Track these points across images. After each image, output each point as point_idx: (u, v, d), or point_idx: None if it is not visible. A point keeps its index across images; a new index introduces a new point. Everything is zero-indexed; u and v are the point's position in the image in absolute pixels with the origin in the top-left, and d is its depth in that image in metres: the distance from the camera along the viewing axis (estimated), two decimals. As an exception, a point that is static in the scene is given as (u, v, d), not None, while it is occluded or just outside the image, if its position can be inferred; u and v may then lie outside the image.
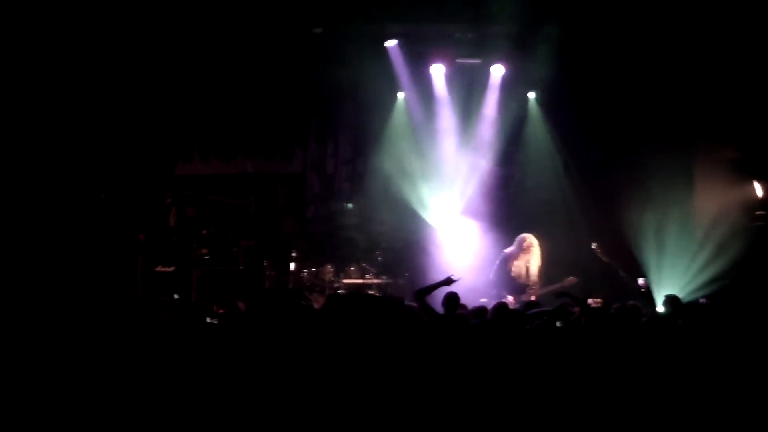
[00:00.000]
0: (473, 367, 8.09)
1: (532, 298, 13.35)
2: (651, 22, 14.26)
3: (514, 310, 9.73)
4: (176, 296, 13.48)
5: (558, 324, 9.29)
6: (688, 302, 11.87)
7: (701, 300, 12.49)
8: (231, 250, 14.65)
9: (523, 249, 13.67)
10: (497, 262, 13.85)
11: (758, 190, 15.09)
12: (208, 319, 9.72)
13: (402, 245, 15.94)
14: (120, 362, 8.04)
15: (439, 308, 10.12)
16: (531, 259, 13.69)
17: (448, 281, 10.54)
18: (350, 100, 16.33)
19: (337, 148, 16.82)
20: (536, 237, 13.81)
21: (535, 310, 9.83)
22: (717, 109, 14.93)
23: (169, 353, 8.23)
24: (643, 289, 12.44)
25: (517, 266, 13.68)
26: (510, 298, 13.36)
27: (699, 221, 15.19)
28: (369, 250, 15.68)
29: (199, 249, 14.40)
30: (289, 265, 14.97)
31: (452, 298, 10.22)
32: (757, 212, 14.99)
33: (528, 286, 13.64)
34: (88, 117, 14.58)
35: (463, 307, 10.37)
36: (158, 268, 14.17)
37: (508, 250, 13.86)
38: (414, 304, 10.11)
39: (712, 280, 14.28)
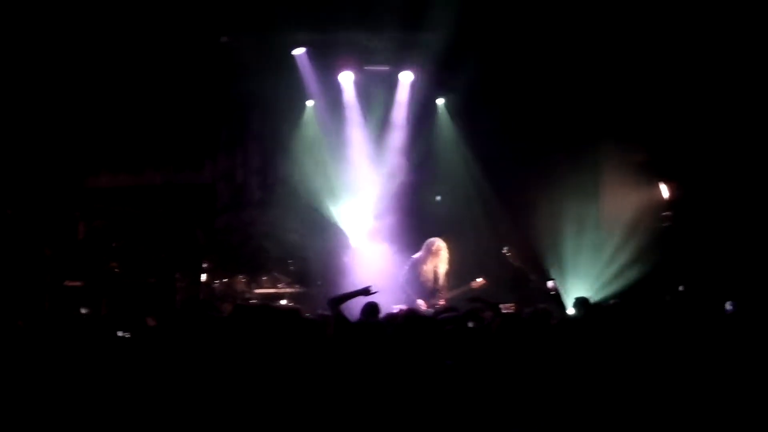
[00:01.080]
0: (386, 374, 8.11)
1: (442, 301, 13.46)
2: (555, 25, 14.40)
3: (425, 316, 9.76)
4: (85, 311, 13.26)
5: (470, 325, 9.36)
6: (596, 303, 12.04)
7: (611, 301, 12.67)
8: (141, 262, 14.47)
9: (431, 253, 13.74)
10: (407, 267, 13.90)
11: (664, 191, 15.36)
12: (120, 333, 9.59)
13: (314, 254, 15.90)
14: (26, 377, 7.91)
15: (356, 317, 10.11)
16: (439, 263, 13.76)
17: (366, 291, 10.52)
18: (259, 109, 16.25)
19: (246, 157, 16.71)
20: (445, 241, 13.89)
21: (445, 315, 9.88)
22: (622, 111, 15.14)
23: (79, 368, 8.12)
24: (552, 292, 12.61)
25: (426, 270, 13.73)
26: (421, 303, 13.43)
27: (606, 223, 15.42)
28: (281, 259, 15.62)
29: (108, 262, 14.19)
30: (200, 276, 14.84)
31: (372, 308, 10.23)
32: (664, 213, 15.26)
33: (437, 289, 13.72)
34: None
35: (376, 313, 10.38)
36: (67, 283, 13.92)
37: (416, 255, 13.93)
38: (325, 314, 10.13)
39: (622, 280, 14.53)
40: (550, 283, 13.33)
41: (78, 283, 13.96)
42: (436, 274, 13.72)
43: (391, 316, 10.11)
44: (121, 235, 14.72)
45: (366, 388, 7.94)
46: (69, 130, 15.12)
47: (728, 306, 10.26)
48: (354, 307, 10.33)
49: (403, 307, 13.00)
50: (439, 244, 13.78)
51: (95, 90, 14.90)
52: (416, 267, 13.76)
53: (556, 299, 11.95)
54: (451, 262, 13.86)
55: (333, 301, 9.91)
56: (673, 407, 8.02)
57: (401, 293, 13.73)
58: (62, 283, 13.88)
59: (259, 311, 9.10)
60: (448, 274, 13.82)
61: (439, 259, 13.74)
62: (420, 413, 7.82)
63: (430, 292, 13.64)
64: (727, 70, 14.10)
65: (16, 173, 14.65)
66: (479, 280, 13.79)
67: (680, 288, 13.40)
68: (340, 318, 9.52)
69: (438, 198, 16.45)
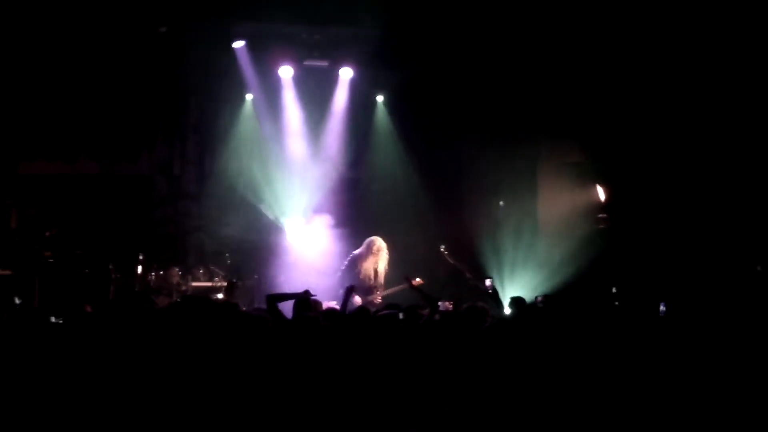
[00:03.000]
0: (324, 370, 8.15)
1: (378, 299, 13.53)
2: (494, 23, 14.49)
3: (369, 313, 9.80)
4: (17, 300, 13.07)
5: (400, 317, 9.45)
6: (532, 303, 12.16)
7: (538, 299, 12.80)
8: (75, 252, 14.29)
9: (372, 252, 13.78)
10: (345, 263, 13.91)
11: (600, 193, 15.55)
12: (53, 319, 9.51)
13: (250, 247, 15.83)
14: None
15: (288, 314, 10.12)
16: (379, 261, 13.82)
17: (305, 294, 10.51)
18: (198, 101, 16.16)
19: (184, 149, 16.56)
20: (384, 240, 13.95)
21: (386, 312, 9.92)
22: (560, 111, 15.30)
23: (11, 358, 8.04)
24: (489, 291, 12.69)
25: (366, 268, 13.76)
26: (357, 299, 13.46)
27: (543, 223, 15.58)
28: (217, 252, 15.53)
29: (41, 252, 14.00)
30: (135, 268, 14.69)
31: (303, 302, 10.23)
32: (599, 215, 15.45)
33: (375, 287, 13.77)
34: None
35: (315, 309, 10.39)
36: (-2, 272, 13.73)
37: (357, 251, 13.94)
38: (261, 308, 10.14)
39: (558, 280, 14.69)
40: (487, 282, 13.42)
41: (8, 272, 13.75)
42: (375, 271, 13.77)
43: (329, 311, 10.18)
44: (55, 224, 14.52)
45: (304, 383, 7.97)
46: (4, 116, 14.87)
47: (661, 307, 10.44)
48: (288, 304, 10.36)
49: (338, 302, 13.08)
50: (380, 243, 13.82)
51: (32, 76, 14.68)
52: (355, 264, 13.78)
53: (494, 297, 12.02)
54: (390, 261, 13.92)
55: (271, 298, 9.92)
56: (605, 406, 8.16)
57: (337, 288, 13.75)
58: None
59: (199, 303, 9.08)
60: (386, 272, 13.90)
61: (379, 257, 13.79)
62: (354, 407, 7.89)
63: (367, 289, 13.68)
64: (663, 71, 14.28)
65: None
66: (417, 280, 13.88)
67: (613, 289, 13.58)
68: (275, 313, 9.54)
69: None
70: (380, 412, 7.95)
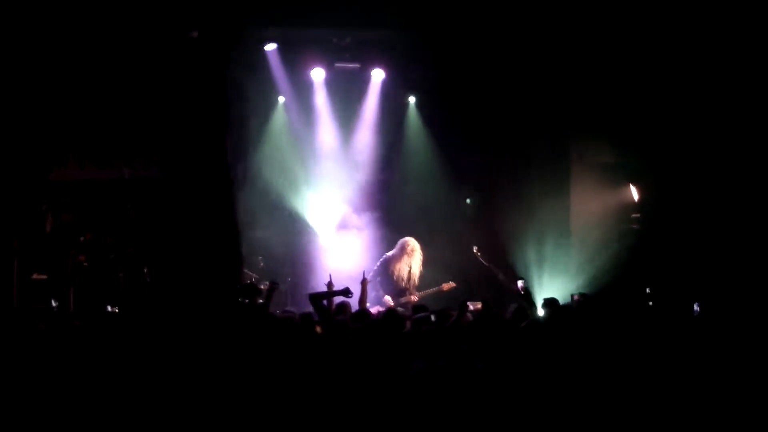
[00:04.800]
0: (352, 373, 8.16)
1: (414, 297, 13.53)
2: (526, 24, 14.45)
3: (402, 315, 9.81)
4: (54, 303, 13.19)
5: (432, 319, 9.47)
6: (565, 304, 12.10)
7: (574, 296, 12.73)
8: (109, 257, 14.38)
9: (405, 252, 13.81)
10: (378, 264, 13.93)
11: (634, 193, 15.46)
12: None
13: (283, 250, 15.87)
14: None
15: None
16: (413, 262, 13.83)
17: (346, 292, 10.55)
18: (229, 104, 16.17)
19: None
20: (417, 241, 13.96)
21: (421, 314, 9.93)
22: (592, 113, 15.23)
23: (48, 362, 8.10)
24: (522, 292, 12.64)
25: (399, 269, 13.79)
26: (388, 300, 13.48)
27: (575, 224, 15.49)
28: (250, 255, 15.55)
29: (76, 256, 14.09)
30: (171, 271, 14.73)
31: (343, 307, 10.30)
32: (633, 215, 15.36)
33: (407, 289, 13.77)
34: None
35: (344, 311, 10.42)
36: (34, 276, 13.82)
37: (390, 253, 13.97)
38: (291, 310, 10.21)
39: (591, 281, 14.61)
40: (519, 283, 13.38)
41: (44, 277, 13.86)
42: (408, 273, 13.78)
43: (359, 313, 10.20)
44: (89, 229, 14.60)
45: (332, 386, 8.00)
46: (37, 122, 14.96)
47: (696, 307, 10.37)
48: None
49: (370, 303, 13.10)
50: (414, 244, 13.86)
51: (65, 81, 14.77)
52: (389, 265, 13.81)
53: (526, 299, 11.98)
54: (423, 260, 13.92)
55: (315, 298, 9.97)
56: (643, 407, 8.11)
57: (370, 290, 13.75)
58: (29, 277, 13.77)
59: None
60: (420, 273, 13.90)
61: (412, 259, 13.81)
62: (383, 410, 7.90)
63: (400, 290, 13.69)
64: (695, 73, 14.18)
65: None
66: (450, 283, 13.91)
67: (647, 290, 13.49)
68: (322, 311, 9.59)
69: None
70: (410, 413, 7.96)
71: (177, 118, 15.15)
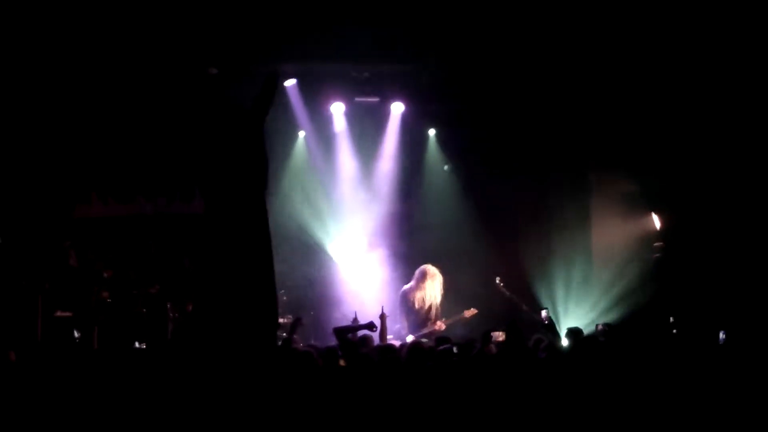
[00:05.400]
0: (377, 407, 8.16)
1: (441, 327, 13.48)
2: (544, 56, 14.48)
3: (427, 348, 9.80)
4: (77, 334, 13.22)
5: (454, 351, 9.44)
6: (589, 334, 12.06)
7: (599, 326, 12.68)
8: (132, 293, 14.40)
9: (423, 281, 13.78)
10: (399, 297, 13.93)
11: (656, 221, 15.42)
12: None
13: (306, 283, 15.87)
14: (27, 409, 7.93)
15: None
16: (431, 290, 13.78)
17: (370, 326, 10.57)
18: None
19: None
20: (437, 268, 13.94)
21: (445, 345, 9.91)
22: (612, 142, 15.23)
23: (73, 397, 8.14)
24: (545, 322, 12.62)
25: (418, 299, 13.77)
26: (412, 333, 13.46)
27: (597, 254, 15.45)
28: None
29: (100, 293, 14.12)
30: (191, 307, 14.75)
31: (366, 339, 10.31)
32: (655, 244, 15.30)
33: (429, 319, 13.72)
34: None
35: (368, 345, 10.42)
36: (58, 313, 13.84)
37: (407, 285, 13.96)
38: (315, 345, 10.23)
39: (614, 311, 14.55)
40: (543, 313, 13.36)
41: (68, 314, 13.88)
42: (429, 301, 13.73)
43: (384, 347, 10.17)
44: (112, 265, 14.64)
45: (357, 421, 7.99)
46: (60, 160, 15.09)
47: (721, 335, 10.31)
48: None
49: (393, 337, 13.09)
50: (430, 271, 13.82)
51: (86, 119, 14.89)
52: (407, 296, 13.79)
53: (550, 329, 11.98)
54: (444, 289, 13.89)
55: (340, 332, 9.98)
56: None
57: (393, 323, 13.75)
58: (53, 314, 13.79)
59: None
60: (440, 301, 13.84)
61: (431, 286, 13.76)
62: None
63: (422, 320, 13.65)
64: (717, 99, 14.17)
65: (5, 202, 14.60)
66: (471, 310, 13.87)
67: (671, 319, 13.42)
68: (347, 346, 9.59)
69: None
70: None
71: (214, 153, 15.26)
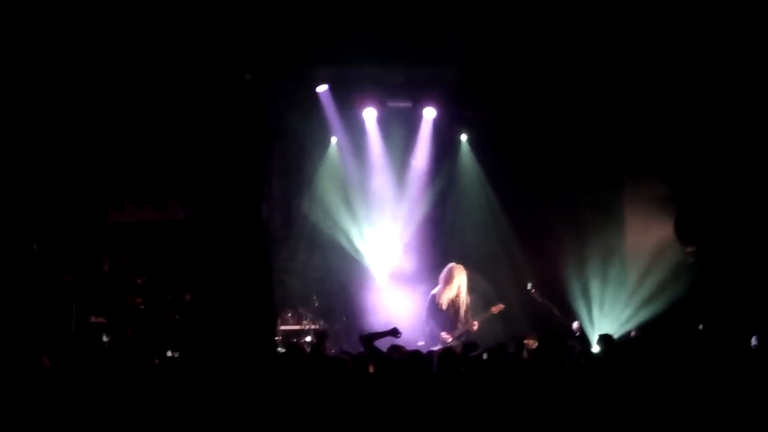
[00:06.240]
0: (409, 412, 8.17)
1: (474, 326, 13.44)
2: (575, 59, 14.43)
3: (457, 356, 9.78)
4: (105, 339, 13.30)
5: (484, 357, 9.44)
6: (620, 339, 12.02)
7: (632, 333, 12.61)
8: (165, 299, 14.47)
9: (448, 283, 13.75)
10: (427, 300, 13.91)
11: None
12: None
13: (338, 289, 15.88)
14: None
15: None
16: (457, 290, 13.75)
17: (394, 332, 10.56)
18: (283, 145, 16.28)
19: (270, 192, 16.67)
20: (465, 268, 13.93)
21: (475, 352, 9.90)
22: (645, 145, 15.15)
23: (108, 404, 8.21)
24: (577, 333, 12.58)
25: (446, 300, 13.72)
26: (444, 335, 13.42)
27: (631, 258, 15.35)
28: (305, 295, 15.57)
29: (133, 299, 14.20)
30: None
31: (396, 348, 10.29)
32: (688, 248, 15.20)
33: (459, 320, 13.69)
34: (17, 166, 14.36)
35: (400, 351, 10.40)
36: (92, 319, 13.93)
37: (435, 290, 13.95)
38: (348, 350, 10.24)
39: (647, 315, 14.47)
40: (574, 325, 13.32)
41: (102, 320, 13.96)
42: (455, 303, 13.70)
43: (414, 353, 10.17)
44: (146, 271, 14.71)
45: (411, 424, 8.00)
46: (93, 165, 15.15)
47: (753, 341, 10.23)
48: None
49: (426, 341, 13.08)
50: (455, 271, 13.77)
51: (120, 125, 14.96)
52: (435, 300, 13.76)
53: (582, 341, 11.95)
54: (471, 288, 13.87)
55: (366, 339, 9.98)
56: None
57: (424, 328, 13.76)
58: (87, 320, 13.88)
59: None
60: (468, 302, 13.81)
61: (455, 286, 13.73)
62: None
63: (452, 323, 13.61)
64: (748, 106, 14.08)
65: (41, 208, 14.70)
66: (499, 305, 13.85)
67: (699, 326, 13.30)
68: (375, 352, 9.60)
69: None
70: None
71: (214, 160, 15.30)
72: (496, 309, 13.85)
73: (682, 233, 14.99)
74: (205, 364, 9.05)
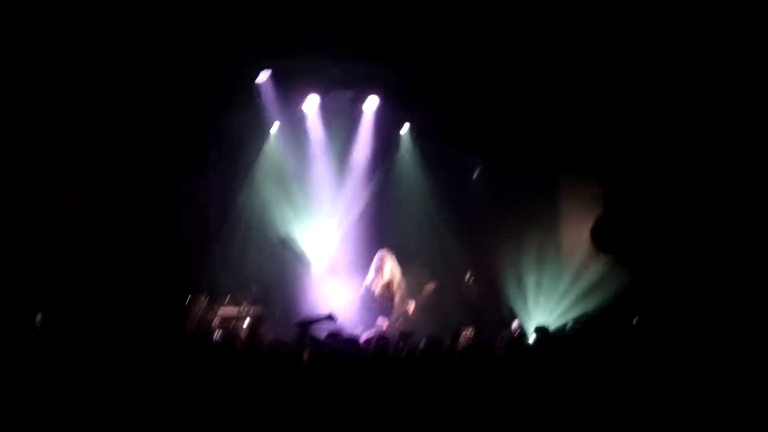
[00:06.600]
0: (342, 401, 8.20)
1: (410, 308, 13.52)
2: (517, 54, 14.49)
3: (392, 344, 9.81)
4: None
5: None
6: (555, 331, 12.13)
7: (569, 325, 12.73)
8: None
9: (378, 270, 13.91)
10: (362, 290, 13.99)
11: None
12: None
13: (275, 279, 15.81)
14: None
15: None
16: (390, 275, 13.91)
17: (330, 317, 10.58)
18: (219, 136, 16.09)
19: (209, 183, 16.47)
20: (390, 253, 14.26)
21: (411, 341, 9.94)
22: (581, 145, 15.26)
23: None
24: (515, 334, 12.66)
25: (381, 286, 13.87)
26: (381, 321, 13.51)
27: (566, 253, 15.49)
28: (242, 285, 15.49)
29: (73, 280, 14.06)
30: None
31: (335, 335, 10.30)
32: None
33: (394, 305, 13.80)
34: None
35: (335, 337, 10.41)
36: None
37: (367, 280, 14.05)
38: (280, 338, 10.25)
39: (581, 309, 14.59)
40: (514, 324, 13.42)
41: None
42: (389, 288, 13.83)
43: (355, 342, 10.20)
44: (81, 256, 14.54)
45: (348, 415, 8.02)
46: (39, 149, 14.79)
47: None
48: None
49: (364, 328, 13.13)
50: (382, 256, 13.96)
51: (61, 108, 14.69)
52: (369, 289, 13.89)
53: (520, 337, 12.06)
54: (404, 272, 13.94)
55: (302, 325, 9.98)
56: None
57: (361, 317, 13.82)
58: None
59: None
60: (400, 285, 13.92)
61: (387, 272, 13.86)
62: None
63: (388, 309, 13.73)
64: (687, 105, 14.22)
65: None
66: (430, 285, 13.98)
67: (634, 321, 13.44)
68: (311, 340, 9.61)
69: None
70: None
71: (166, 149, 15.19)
72: (430, 287, 13.97)
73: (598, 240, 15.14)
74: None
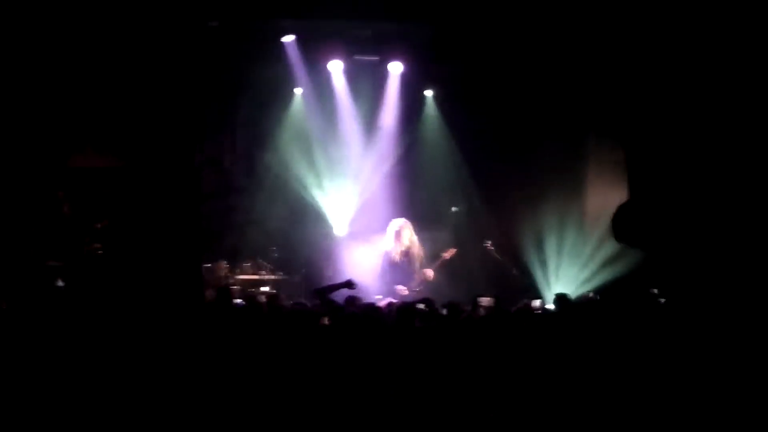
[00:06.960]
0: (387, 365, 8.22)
1: (430, 274, 13.56)
2: (545, 20, 14.37)
3: (413, 310, 9.81)
4: (60, 283, 13.16)
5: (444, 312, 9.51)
6: (577, 299, 12.10)
7: (590, 294, 12.69)
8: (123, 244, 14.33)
9: (397, 236, 13.90)
10: (382, 258, 14.01)
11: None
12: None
13: (298, 242, 15.87)
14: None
15: None
16: (408, 242, 13.90)
17: (349, 284, 10.56)
18: (247, 95, 16.12)
19: (234, 143, 16.59)
20: (412, 224, 14.22)
21: (431, 308, 9.95)
22: (607, 109, 15.14)
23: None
24: (538, 311, 12.64)
25: (400, 253, 13.86)
26: (401, 288, 13.52)
27: (589, 220, 15.42)
28: (264, 246, 15.55)
29: (91, 243, 14.08)
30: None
31: (352, 301, 10.31)
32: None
33: (414, 270, 13.81)
34: None
35: (355, 304, 10.43)
36: (49, 263, 13.80)
37: (386, 245, 14.05)
38: (302, 302, 10.27)
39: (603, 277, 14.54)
40: (536, 303, 13.37)
41: (59, 263, 13.82)
42: (408, 255, 13.84)
43: (369, 306, 10.21)
44: (104, 217, 14.56)
45: (368, 379, 8.04)
46: (55, 108, 14.90)
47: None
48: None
49: (383, 296, 13.13)
50: (399, 224, 13.97)
51: (81, 69, 14.71)
52: (388, 256, 13.88)
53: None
54: (423, 239, 14.03)
55: (321, 292, 10.00)
56: (653, 403, 8.10)
57: (381, 283, 13.84)
58: (44, 263, 13.74)
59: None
60: (421, 252, 13.93)
61: (405, 239, 13.87)
62: (419, 404, 7.93)
63: (407, 275, 13.74)
64: (713, 74, 14.05)
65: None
66: (451, 249, 13.97)
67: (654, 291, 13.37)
68: (329, 305, 9.62)
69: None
70: (422, 408, 7.99)
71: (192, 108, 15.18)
72: (449, 254, 13.97)
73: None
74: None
